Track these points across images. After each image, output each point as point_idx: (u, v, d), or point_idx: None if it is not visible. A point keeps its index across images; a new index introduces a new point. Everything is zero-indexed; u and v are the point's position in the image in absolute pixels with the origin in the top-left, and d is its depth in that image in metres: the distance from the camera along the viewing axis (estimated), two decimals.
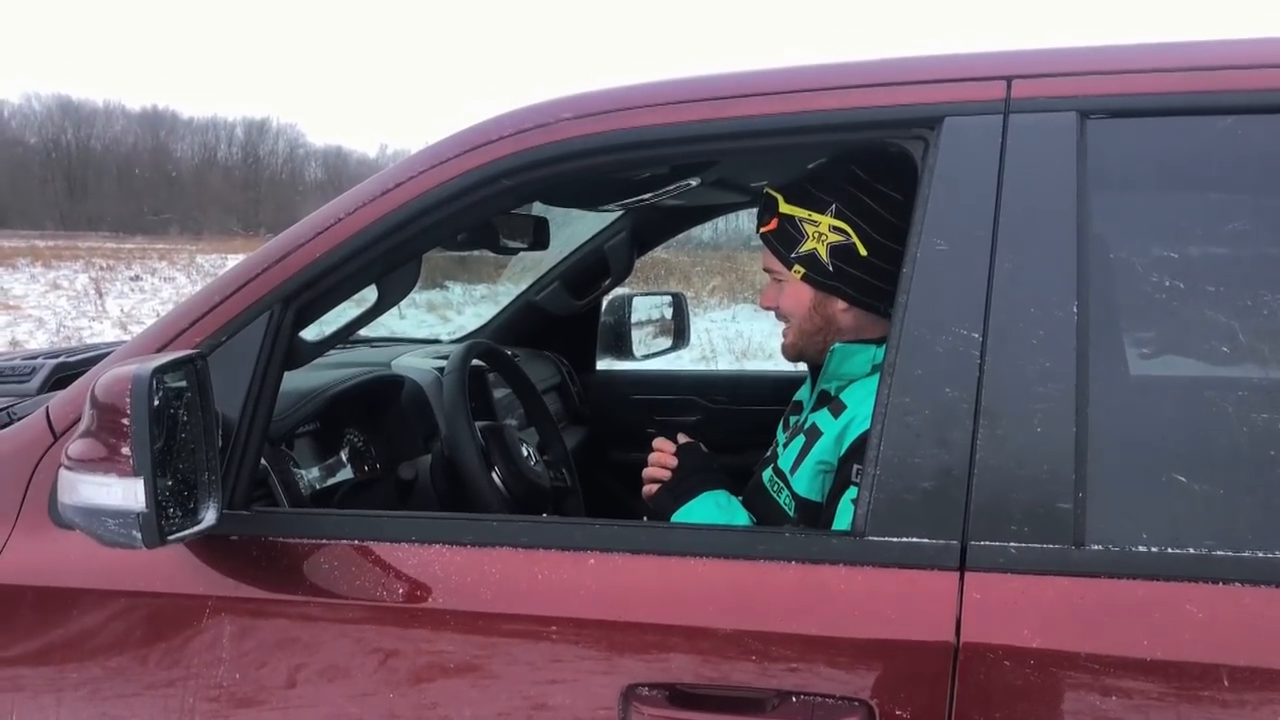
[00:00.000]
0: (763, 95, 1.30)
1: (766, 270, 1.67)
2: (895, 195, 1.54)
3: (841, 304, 1.60)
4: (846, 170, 1.57)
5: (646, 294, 3.26)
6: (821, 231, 1.56)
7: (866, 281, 1.57)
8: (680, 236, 3.19)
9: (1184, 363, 1.23)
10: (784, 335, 1.69)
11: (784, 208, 1.60)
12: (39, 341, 12.21)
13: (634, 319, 3.06)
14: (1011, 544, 1.12)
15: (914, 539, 1.14)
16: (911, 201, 1.53)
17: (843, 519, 1.43)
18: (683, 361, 3.47)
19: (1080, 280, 1.16)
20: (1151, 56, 1.24)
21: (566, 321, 3.03)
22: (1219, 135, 1.19)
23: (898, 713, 1.11)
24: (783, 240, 1.61)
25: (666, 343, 3.19)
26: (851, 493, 1.42)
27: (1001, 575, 1.12)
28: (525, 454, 1.88)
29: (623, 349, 3.05)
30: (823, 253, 1.57)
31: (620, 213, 2.74)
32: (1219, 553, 1.08)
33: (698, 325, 3.31)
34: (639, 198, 2.08)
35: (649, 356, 3.12)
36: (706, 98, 1.32)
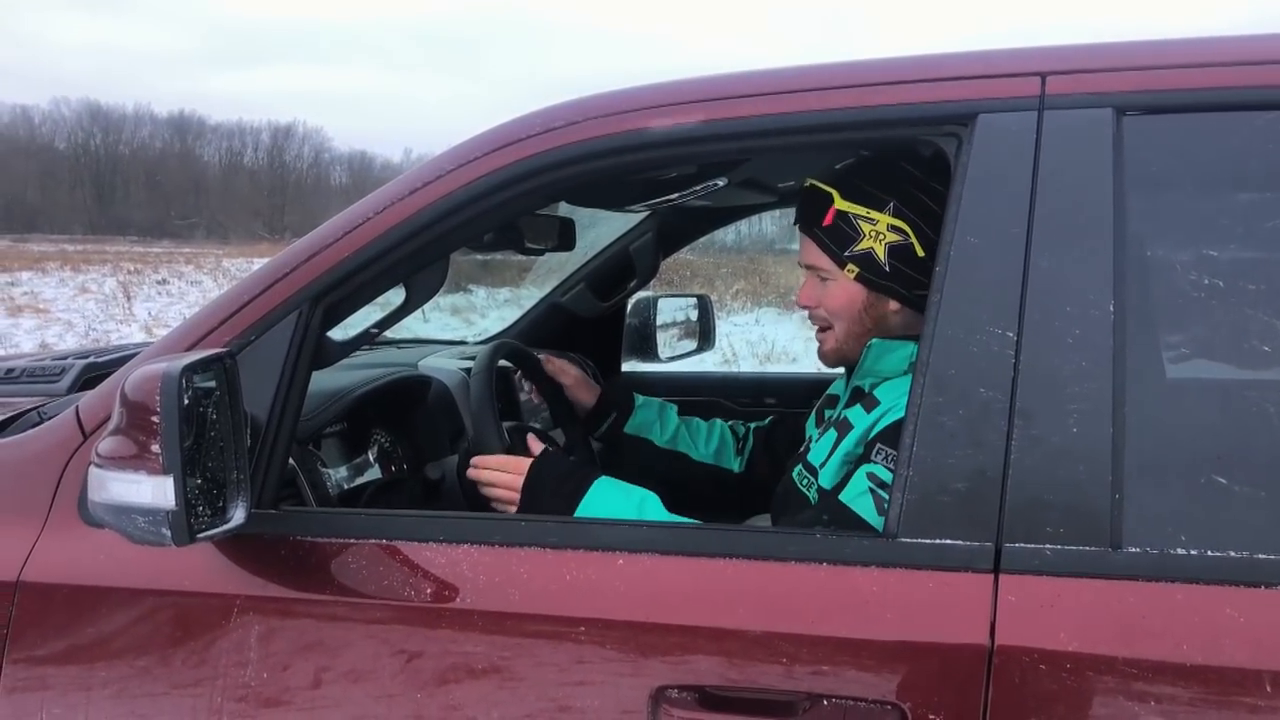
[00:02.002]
0: (794, 92, 1.29)
1: (809, 267, 1.62)
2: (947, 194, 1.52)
3: (894, 304, 1.57)
4: (900, 167, 1.54)
5: (672, 296, 3.24)
6: (880, 230, 1.53)
7: (921, 281, 1.52)
8: (704, 240, 3.17)
9: (1223, 363, 1.21)
10: (825, 339, 1.65)
11: (840, 204, 1.55)
12: (68, 344, 12.34)
13: (659, 321, 3.05)
14: (1047, 546, 1.10)
15: (947, 540, 1.13)
16: None
17: (853, 490, 1.40)
18: (705, 365, 3.46)
19: (1117, 279, 1.14)
20: (1188, 52, 1.23)
21: (591, 323, 3.02)
22: (1258, 131, 1.17)
23: (931, 716, 1.10)
24: (835, 238, 1.56)
25: (691, 345, 3.17)
26: (868, 468, 1.40)
27: (1037, 578, 1.10)
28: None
29: (647, 351, 3.03)
30: (880, 252, 1.53)
31: (646, 214, 2.73)
32: (1261, 556, 1.07)
33: (720, 329, 3.29)
34: (665, 198, 2.07)
35: (674, 358, 3.10)
36: (735, 95, 1.32)
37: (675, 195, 2.03)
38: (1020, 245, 1.17)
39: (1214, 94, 1.18)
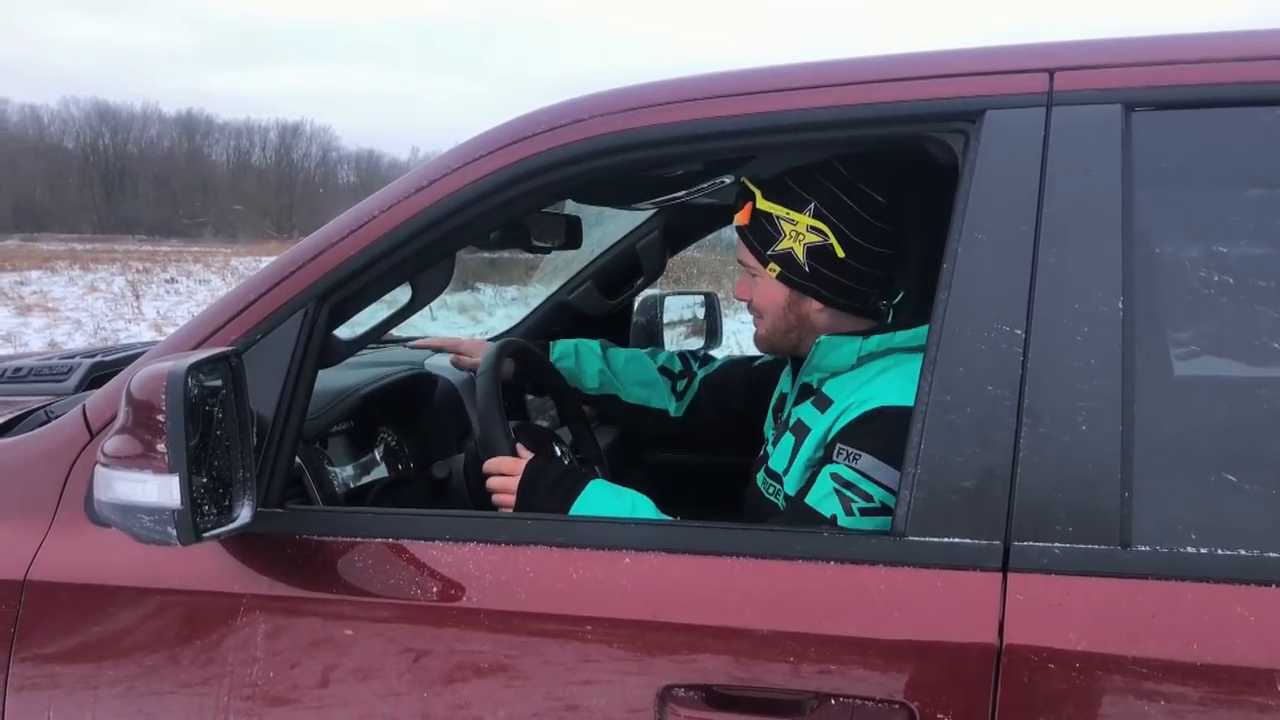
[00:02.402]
0: (799, 89, 1.29)
1: (740, 263, 1.64)
2: (877, 197, 1.52)
3: (816, 304, 1.58)
4: (828, 167, 1.55)
5: (678, 294, 3.24)
6: (799, 231, 1.54)
7: (842, 283, 1.55)
8: (711, 237, 3.17)
9: (1233, 360, 1.20)
10: (757, 326, 1.67)
11: (761, 203, 1.57)
12: (77, 343, 12.38)
13: (666, 319, 3.05)
14: (1056, 544, 1.10)
15: (955, 539, 1.13)
16: (894, 203, 1.51)
17: (818, 492, 1.40)
18: None
19: (1126, 276, 1.14)
20: (1198, 47, 1.22)
21: (598, 321, 3.02)
22: (1269, 127, 1.16)
23: (939, 716, 1.09)
24: (758, 235, 1.58)
25: (699, 342, 3.18)
26: (831, 469, 1.40)
27: (1045, 576, 1.09)
28: (559, 452, 1.87)
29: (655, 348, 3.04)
30: (799, 253, 1.54)
31: (653, 211, 2.73)
32: (1271, 554, 1.06)
33: (727, 326, 3.29)
34: (672, 196, 2.07)
35: None
36: (741, 92, 1.31)
37: (682, 193, 2.02)
38: (1028, 242, 1.17)
39: (1224, 89, 1.17)
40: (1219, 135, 1.19)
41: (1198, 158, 1.22)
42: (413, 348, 2.18)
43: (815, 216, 1.53)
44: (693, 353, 2.20)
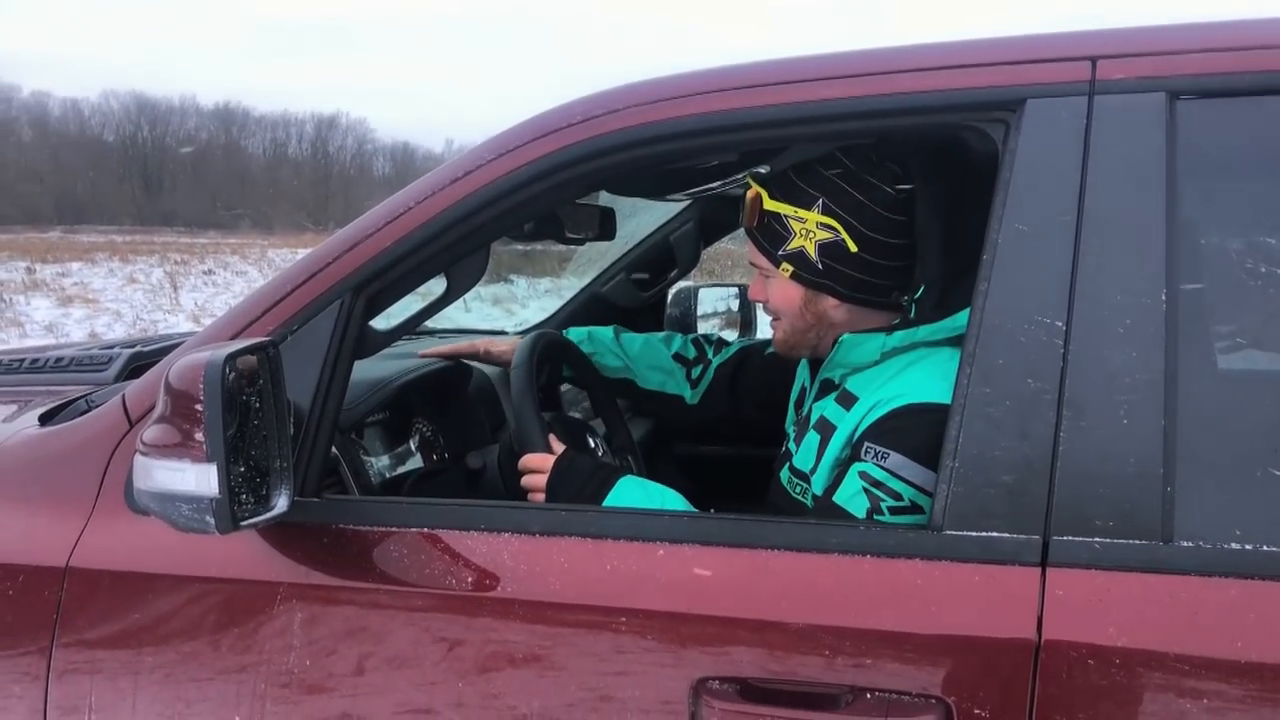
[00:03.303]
0: (839, 78, 1.28)
1: (753, 264, 1.63)
2: (884, 187, 1.50)
3: (832, 301, 1.56)
4: (832, 160, 1.53)
5: (713, 285, 3.24)
6: (809, 228, 1.52)
7: (857, 278, 1.53)
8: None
9: (1278, 353, 1.18)
10: (775, 329, 1.66)
11: (768, 204, 1.56)
12: (116, 333, 12.56)
13: (700, 310, 3.05)
14: (1096, 539, 1.08)
15: (994, 534, 1.12)
16: (904, 193, 1.50)
17: (847, 491, 1.39)
18: None
19: (1169, 268, 1.12)
20: (1244, 34, 1.19)
21: (632, 313, 3.02)
22: None
23: (976, 711, 1.09)
24: (768, 236, 1.57)
25: (732, 334, 3.17)
26: (859, 467, 1.39)
27: (1085, 571, 1.08)
28: (592, 444, 1.87)
29: None
30: (811, 250, 1.53)
31: (687, 203, 2.72)
32: None
33: (761, 318, 3.28)
34: (707, 186, 2.06)
35: None
36: (780, 81, 1.30)
37: (717, 184, 2.02)
38: (1070, 233, 1.15)
39: (1271, 77, 1.15)
40: (1265, 124, 1.17)
41: (1243, 147, 1.20)
42: (424, 355, 2.16)
43: (824, 212, 1.51)
44: (707, 337, 2.18)
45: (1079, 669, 1.06)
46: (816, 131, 1.33)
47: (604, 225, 2.19)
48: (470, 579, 1.27)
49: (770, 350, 2.02)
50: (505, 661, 1.25)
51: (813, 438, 1.56)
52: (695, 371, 2.10)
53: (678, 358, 2.12)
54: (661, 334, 2.19)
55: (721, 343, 2.16)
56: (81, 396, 1.77)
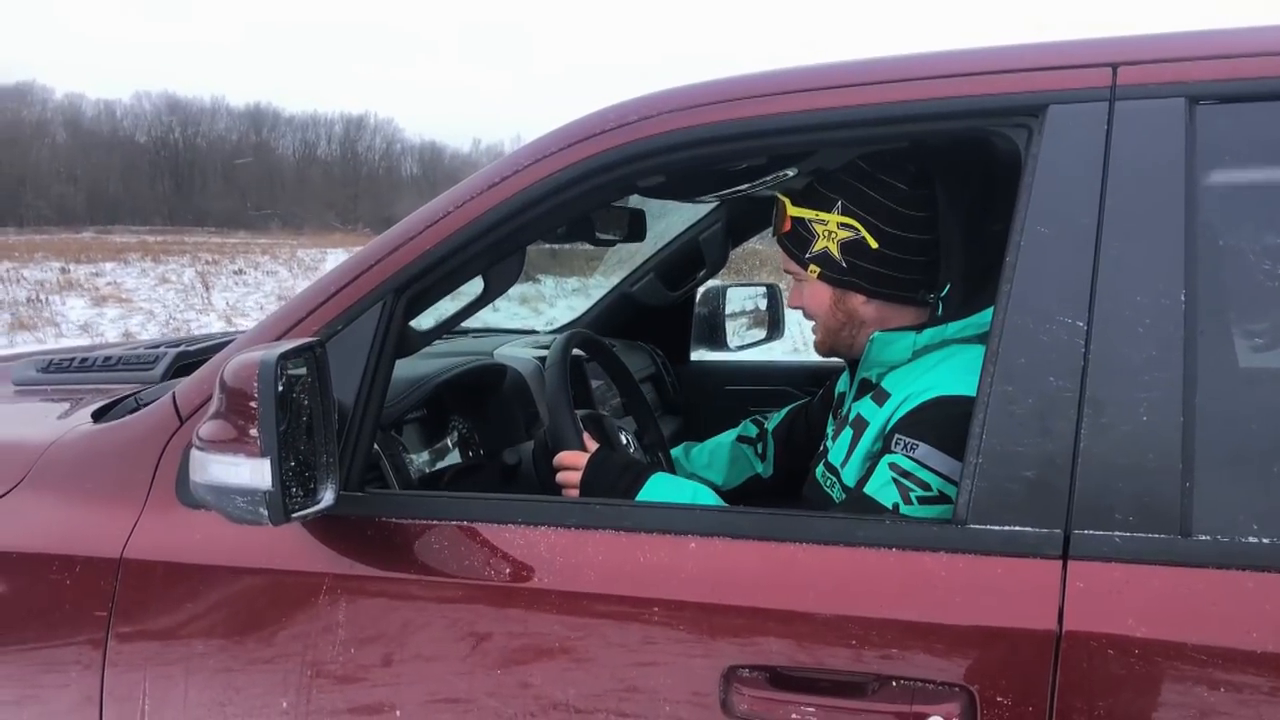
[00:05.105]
0: (864, 85, 1.31)
1: (787, 272, 1.70)
2: (900, 185, 1.55)
3: (860, 298, 1.62)
4: (850, 165, 1.60)
5: (741, 285, 3.26)
6: (830, 229, 1.59)
7: (881, 273, 1.59)
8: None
9: None
10: (814, 333, 1.72)
11: (792, 210, 1.63)
12: (150, 333, 12.69)
13: (728, 310, 3.07)
14: (1116, 533, 1.11)
15: (1016, 527, 1.15)
16: (921, 190, 1.54)
17: (877, 481, 1.43)
18: (774, 353, 3.47)
19: (1188, 269, 1.14)
20: (1264, 39, 1.21)
21: (661, 312, 3.05)
22: None
23: (999, 700, 1.12)
24: (796, 242, 1.64)
25: (761, 334, 3.19)
26: (889, 458, 1.43)
27: (1105, 564, 1.11)
28: (624, 441, 1.91)
29: (717, 340, 3.06)
30: (834, 250, 1.59)
31: (716, 204, 2.75)
32: None
33: (789, 317, 3.30)
34: (735, 189, 2.09)
35: (743, 348, 3.13)
36: (807, 88, 1.33)
37: (745, 186, 2.05)
38: (1091, 235, 1.18)
39: None
40: None
41: (1263, 151, 1.22)
42: None
43: (843, 213, 1.58)
44: (764, 413, 2.24)
45: (1099, 659, 1.09)
46: (841, 137, 1.36)
47: (634, 227, 2.22)
48: (508, 570, 1.31)
49: (816, 398, 2.08)
50: (542, 651, 1.28)
51: (846, 434, 1.61)
52: (760, 447, 2.16)
53: (742, 440, 2.18)
54: (724, 434, 2.23)
55: (771, 416, 2.22)
56: (131, 394, 1.81)
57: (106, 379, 2.06)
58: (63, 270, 20.40)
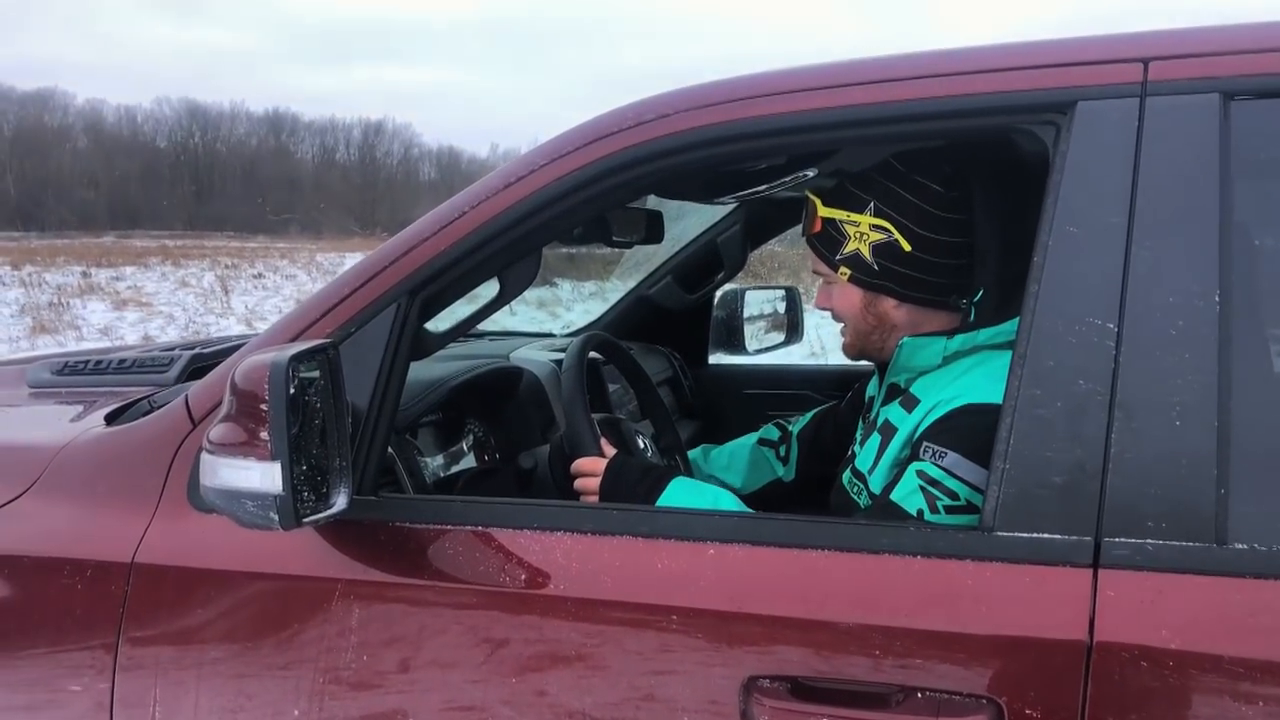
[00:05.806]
0: (888, 81, 1.28)
1: (816, 273, 1.66)
2: (934, 186, 1.52)
3: (892, 301, 1.59)
4: (883, 164, 1.56)
5: (759, 288, 3.24)
6: (862, 231, 1.55)
7: (913, 277, 1.55)
8: (792, 231, 3.16)
9: None
10: (843, 335, 1.68)
11: (823, 211, 1.60)
12: (170, 336, 12.76)
13: (746, 313, 3.04)
14: (1149, 541, 1.08)
15: (1045, 535, 1.12)
16: (956, 192, 1.50)
17: (904, 489, 1.40)
18: (793, 357, 3.44)
19: (1222, 270, 1.11)
20: None
21: (678, 316, 3.03)
22: None
23: (1028, 712, 1.09)
24: (826, 243, 1.60)
25: (779, 337, 3.16)
26: (917, 466, 1.40)
27: (1138, 573, 1.08)
28: (641, 445, 1.89)
29: (735, 343, 3.04)
30: (866, 252, 1.56)
31: (734, 206, 2.73)
32: None
33: (808, 321, 3.27)
34: (754, 189, 2.07)
35: (761, 351, 3.10)
36: (828, 85, 1.31)
37: (764, 187, 2.02)
38: (1121, 235, 1.15)
39: None
40: None
41: None
42: None
43: (875, 214, 1.54)
44: (787, 418, 2.21)
45: (1131, 671, 1.06)
46: (864, 135, 1.34)
47: (651, 228, 2.20)
48: (524, 576, 1.29)
49: (844, 402, 2.05)
50: (557, 659, 1.26)
51: (875, 439, 1.58)
52: (782, 450, 2.14)
53: (763, 443, 2.15)
54: (744, 437, 2.21)
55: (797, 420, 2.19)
56: (144, 397, 1.81)
57: (121, 381, 2.05)
58: (84, 274, 20.53)
